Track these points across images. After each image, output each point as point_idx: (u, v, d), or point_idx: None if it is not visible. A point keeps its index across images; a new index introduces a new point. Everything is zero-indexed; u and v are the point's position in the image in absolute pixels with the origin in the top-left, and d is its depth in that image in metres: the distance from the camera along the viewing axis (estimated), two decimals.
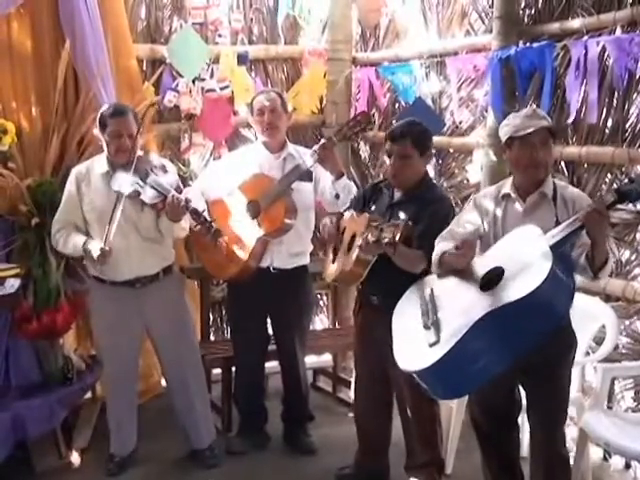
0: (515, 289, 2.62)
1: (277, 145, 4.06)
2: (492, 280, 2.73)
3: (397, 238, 2.91)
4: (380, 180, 3.73)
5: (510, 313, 2.61)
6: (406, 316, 3.02)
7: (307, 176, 3.92)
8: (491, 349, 2.66)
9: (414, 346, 2.83)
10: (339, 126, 4.13)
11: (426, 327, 2.82)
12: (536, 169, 2.94)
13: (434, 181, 3.95)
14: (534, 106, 3.96)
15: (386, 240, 2.95)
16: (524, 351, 2.67)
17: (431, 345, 2.73)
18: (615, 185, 3.96)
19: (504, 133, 3.01)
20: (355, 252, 3.28)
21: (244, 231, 3.87)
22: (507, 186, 3.05)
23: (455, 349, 2.64)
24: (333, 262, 3.56)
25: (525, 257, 2.69)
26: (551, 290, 2.60)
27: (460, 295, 2.85)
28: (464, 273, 2.89)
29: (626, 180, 2.79)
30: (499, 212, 3.03)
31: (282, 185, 3.85)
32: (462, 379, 2.74)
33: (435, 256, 3.05)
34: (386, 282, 3.16)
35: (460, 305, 2.79)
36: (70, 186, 3.75)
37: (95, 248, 3.55)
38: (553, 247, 2.66)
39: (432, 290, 3.00)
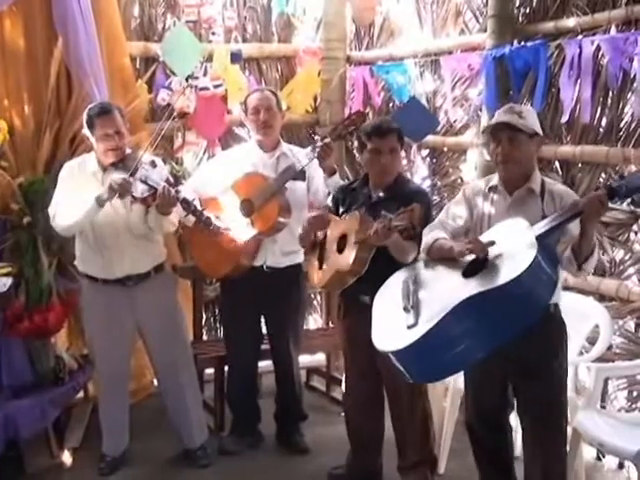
0: (497, 276, 2.63)
1: (271, 144, 4.05)
2: (476, 267, 2.74)
3: (416, 222, 2.92)
4: (351, 181, 3.73)
5: (490, 299, 2.61)
6: (387, 298, 3.03)
7: (301, 175, 3.90)
8: (468, 335, 2.66)
9: (392, 327, 2.84)
10: (334, 125, 4.12)
11: (406, 310, 2.83)
12: (504, 164, 2.94)
13: (407, 176, 3.96)
14: (528, 105, 3.97)
15: (401, 227, 2.94)
16: (503, 340, 2.67)
17: (409, 327, 2.73)
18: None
19: None
20: (354, 250, 3.27)
21: (237, 230, 3.86)
22: (495, 179, 3.06)
23: (432, 332, 2.64)
24: (320, 268, 3.55)
25: (510, 247, 2.70)
26: (534, 279, 2.61)
27: (442, 280, 2.86)
28: (450, 261, 2.89)
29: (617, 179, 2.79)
30: (487, 205, 3.04)
31: (276, 184, 3.83)
32: (438, 363, 2.74)
33: (425, 243, 3.04)
34: (377, 281, 3.15)
35: (442, 289, 2.81)
36: (65, 176, 3.72)
37: (113, 177, 3.50)
38: (540, 237, 2.67)
39: (415, 275, 3.00)
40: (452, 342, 2.67)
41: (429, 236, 3.04)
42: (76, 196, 3.62)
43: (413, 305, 2.81)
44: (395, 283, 3.05)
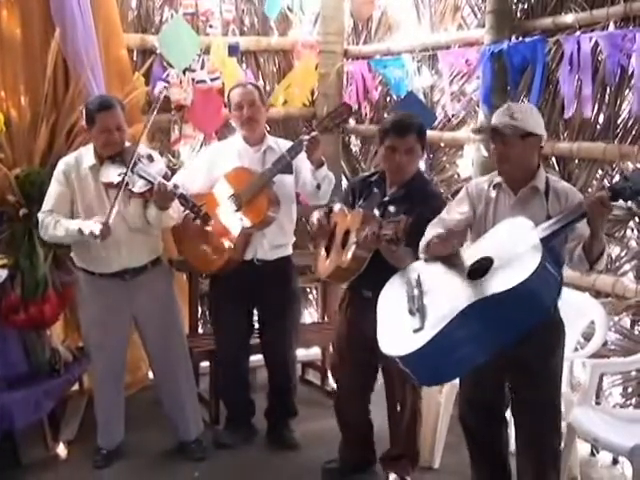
0: (503, 280, 2.61)
1: (257, 138, 4.02)
2: (480, 269, 2.72)
3: (400, 235, 2.91)
4: (370, 174, 3.67)
5: (496, 304, 2.60)
6: (392, 300, 3.01)
7: (288, 168, 3.89)
8: (475, 339, 2.66)
9: (398, 331, 2.83)
10: (320, 118, 4.12)
11: (411, 313, 2.82)
12: (500, 164, 2.95)
13: (426, 176, 3.94)
14: (526, 101, 3.98)
15: (387, 237, 2.94)
16: (509, 342, 2.67)
17: (415, 331, 2.72)
18: (606, 181, 3.97)
19: None
20: (352, 249, 3.26)
21: (227, 224, 3.86)
22: (499, 177, 3.05)
23: (438, 337, 2.64)
24: (327, 258, 3.54)
25: (515, 249, 2.68)
26: (539, 283, 2.59)
27: (447, 283, 2.84)
28: (452, 261, 2.89)
29: (619, 178, 2.78)
30: (491, 202, 3.02)
31: (264, 178, 3.82)
32: (445, 366, 2.74)
33: (424, 241, 3.03)
34: (379, 276, 3.15)
35: (446, 293, 2.79)
36: (59, 178, 3.71)
37: (94, 225, 3.49)
38: (544, 240, 2.65)
39: (419, 275, 2.99)
40: (458, 346, 2.66)
41: (428, 234, 3.03)
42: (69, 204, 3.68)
43: (418, 308, 2.80)
44: (398, 282, 3.04)
